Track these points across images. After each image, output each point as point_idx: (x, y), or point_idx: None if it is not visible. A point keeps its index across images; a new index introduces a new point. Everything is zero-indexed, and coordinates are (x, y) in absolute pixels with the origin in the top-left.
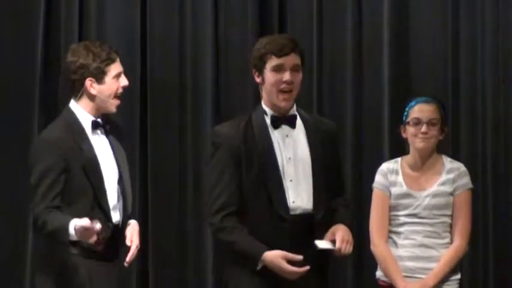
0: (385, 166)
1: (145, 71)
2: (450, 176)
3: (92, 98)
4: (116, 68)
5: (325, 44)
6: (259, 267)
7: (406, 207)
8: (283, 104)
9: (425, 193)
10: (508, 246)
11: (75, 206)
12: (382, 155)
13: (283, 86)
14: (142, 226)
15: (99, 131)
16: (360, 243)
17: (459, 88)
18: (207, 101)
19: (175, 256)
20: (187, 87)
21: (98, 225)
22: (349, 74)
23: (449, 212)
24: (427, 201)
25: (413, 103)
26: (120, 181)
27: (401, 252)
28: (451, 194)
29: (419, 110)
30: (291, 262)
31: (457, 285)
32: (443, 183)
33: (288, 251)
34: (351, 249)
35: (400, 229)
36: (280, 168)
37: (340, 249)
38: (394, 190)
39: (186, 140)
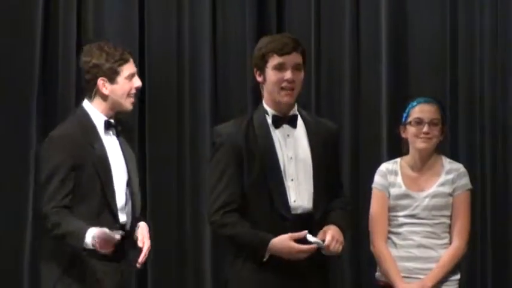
0: (384, 167)
1: (143, 71)
2: (449, 176)
3: (104, 97)
4: (128, 68)
5: (323, 45)
6: (266, 257)
7: (405, 207)
8: (285, 99)
9: (424, 194)
10: (506, 247)
11: (83, 205)
12: (380, 155)
13: (284, 84)
14: None
15: (111, 132)
16: (357, 243)
17: (457, 89)
18: (205, 100)
19: (174, 255)
20: (185, 87)
21: (118, 236)
22: (347, 74)
23: (448, 213)
24: (426, 201)
25: (414, 103)
26: (129, 183)
27: (400, 252)
28: (450, 194)
29: (421, 110)
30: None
31: (457, 286)
32: (442, 184)
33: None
34: (340, 248)
35: (399, 230)
36: (282, 167)
37: (329, 246)
38: (393, 191)
39: (185, 139)
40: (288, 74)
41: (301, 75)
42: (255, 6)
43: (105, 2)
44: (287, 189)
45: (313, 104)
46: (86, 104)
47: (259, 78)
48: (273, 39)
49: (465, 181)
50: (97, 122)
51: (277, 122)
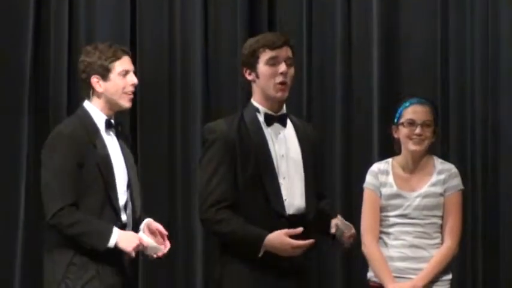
0: (375, 166)
1: (135, 69)
2: (441, 177)
3: (99, 95)
4: (121, 65)
5: (315, 43)
6: (261, 253)
7: (396, 207)
8: (279, 95)
9: (415, 194)
10: (497, 246)
11: (86, 201)
12: (371, 155)
13: (279, 78)
14: None
15: (111, 132)
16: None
17: (448, 89)
18: (196, 98)
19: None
20: (176, 85)
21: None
22: (338, 73)
23: (439, 213)
24: (417, 201)
25: (407, 104)
26: (129, 185)
27: (391, 252)
28: (442, 194)
29: (414, 111)
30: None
31: (449, 286)
32: (434, 184)
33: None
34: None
35: (390, 230)
36: (275, 164)
37: (348, 234)
38: (385, 191)
39: (176, 137)
40: (282, 67)
41: (293, 70)
42: (247, 4)
43: (97, 0)
44: (280, 186)
45: (304, 104)
46: (86, 103)
47: (250, 77)
48: (262, 36)
49: (457, 181)
50: (98, 121)
51: (269, 120)
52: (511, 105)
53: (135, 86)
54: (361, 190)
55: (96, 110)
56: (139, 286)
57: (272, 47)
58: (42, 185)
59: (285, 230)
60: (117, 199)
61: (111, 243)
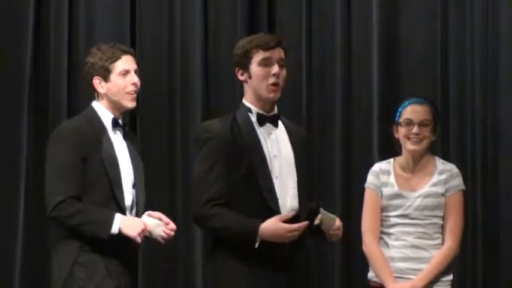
0: (377, 166)
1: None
2: (442, 177)
3: (102, 96)
4: (120, 65)
5: (315, 44)
6: (257, 243)
7: (397, 207)
8: (272, 95)
9: (416, 194)
10: (497, 246)
11: (89, 197)
12: (371, 156)
13: (271, 79)
14: None
15: (118, 131)
16: (349, 243)
17: (449, 88)
18: (196, 98)
19: (165, 253)
20: (176, 85)
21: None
22: (338, 73)
23: (440, 213)
24: (418, 201)
25: (406, 103)
26: (135, 184)
27: (392, 253)
28: (443, 195)
29: (412, 111)
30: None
31: (449, 287)
32: (435, 184)
33: (282, 246)
34: (341, 235)
35: (391, 230)
36: (268, 164)
37: (338, 226)
38: (386, 190)
39: (176, 136)
40: (275, 68)
41: (285, 71)
42: (247, 4)
43: (97, 1)
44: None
45: (304, 104)
46: (94, 103)
47: (242, 77)
48: (254, 37)
49: (458, 182)
50: (105, 120)
51: (262, 120)
52: (511, 105)
53: (137, 85)
54: (361, 191)
55: (103, 109)
56: (139, 286)
57: (265, 48)
58: (46, 178)
59: (278, 216)
60: (122, 197)
61: (114, 229)
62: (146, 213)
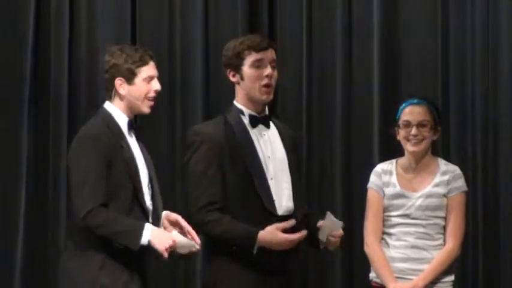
0: (379, 167)
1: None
2: (444, 177)
3: (121, 98)
4: (147, 70)
5: (315, 44)
6: (255, 250)
7: (398, 207)
8: (264, 97)
9: (418, 194)
10: (497, 248)
11: (115, 202)
12: (372, 157)
13: (264, 80)
14: None
15: (132, 133)
16: (350, 245)
17: (449, 88)
18: (196, 98)
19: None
20: (176, 85)
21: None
22: (338, 74)
23: (442, 214)
24: (419, 202)
25: (404, 105)
26: (150, 184)
27: (393, 253)
28: (445, 195)
29: (410, 112)
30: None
31: (451, 287)
32: (437, 185)
33: (278, 251)
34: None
35: (392, 230)
36: (263, 165)
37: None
38: (388, 190)
39: (176, 138)
40: (267, 70)
41: (276, 73)
42: (247, 4)
43: (98, 0)
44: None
45: (304, 105)
46: (107, 105)
47: (234, 79)
48: (246, 38)
49: (460, 183)
50: (120, 122)
51: (254, 122)
52: (511, 105)
53: (158, 93)
54: (361, 191)
55: (118, 111)
56: None
57: (257, 49)
58: (72, 186)
59: (276, 225)
60: (144, 199)
61: (144, 240)
62: (164, 215)
